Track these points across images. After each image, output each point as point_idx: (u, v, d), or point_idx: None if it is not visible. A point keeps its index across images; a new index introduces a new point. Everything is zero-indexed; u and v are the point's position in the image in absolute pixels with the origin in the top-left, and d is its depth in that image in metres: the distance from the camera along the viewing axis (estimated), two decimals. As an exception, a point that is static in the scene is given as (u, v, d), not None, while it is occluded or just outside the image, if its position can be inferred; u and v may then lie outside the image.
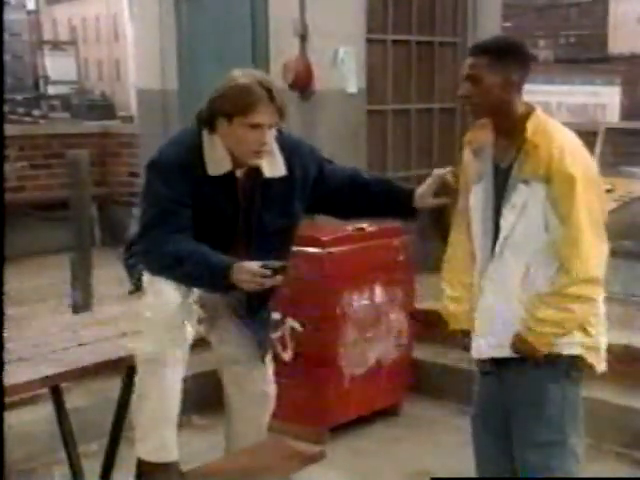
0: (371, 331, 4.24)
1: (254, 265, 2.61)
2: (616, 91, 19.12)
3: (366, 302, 4.20)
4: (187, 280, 2.68)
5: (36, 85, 20.11)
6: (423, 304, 4.60)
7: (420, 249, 4.71)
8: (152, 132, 6.80)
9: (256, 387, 3.00)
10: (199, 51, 6.37)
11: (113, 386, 3.30)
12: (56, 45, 24.55)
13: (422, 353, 4.64)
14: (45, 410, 3.22)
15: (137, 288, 2.91)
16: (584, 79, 19.45)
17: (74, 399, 3.68)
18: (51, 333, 3.25)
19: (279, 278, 2.63)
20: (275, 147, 2.80)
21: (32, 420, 3.71)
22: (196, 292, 2.78)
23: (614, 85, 19.37)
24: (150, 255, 2.71)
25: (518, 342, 2.58)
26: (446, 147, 6.21)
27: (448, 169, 2.77)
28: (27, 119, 10.33)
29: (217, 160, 2.72)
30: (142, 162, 7.07)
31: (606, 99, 18.66)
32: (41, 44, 22.78)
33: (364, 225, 4.17)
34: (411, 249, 4.42)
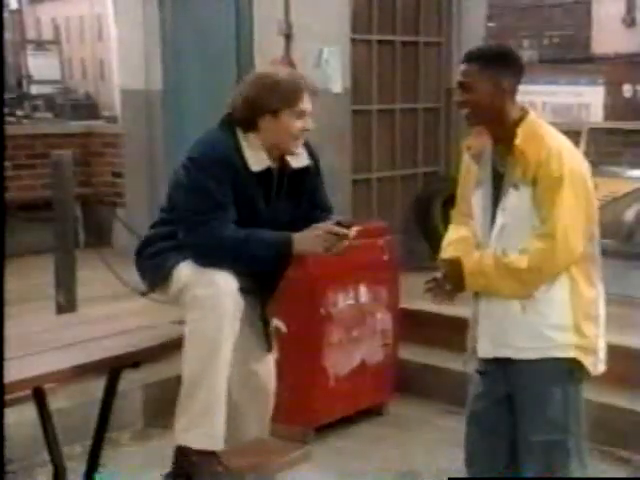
0: (356, 331, 4.24)
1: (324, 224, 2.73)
2: (600, 91, 19.21)
3: (351, 302, 4.20)
4: (252, 261, 2.75)
5: (19, 85, 19.95)
6: (408, 304, 4.61)
7: (405, 249, 4.73)
8: (136, 132, 6.78)
9: (260, 384, 3.03)
10: (183, 51, 6.35)
11: (96, 387, 3.29)
12: (39, 45, 24.38)
13: (407, 353, 4.64)
14: (28, 412, 3.19)
15: (152, 289, 2.93)
16: (568, 79, 19.54)
17: (57, 400, 3.65)
18: (34, 334, 3.22)
19: (351, 234, 2.72)
20: None
21: (15, 422, 3.67)
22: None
23: (598, 85, 19.47)
24: (207, 245, 2.73)
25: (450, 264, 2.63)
26: (430, 147, 6.23)
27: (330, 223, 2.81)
28: (10, 119, 10.25)
29: (257, 157, 2.81)
30: (126, 162, 7.07)
31: (590, 99, 18.75)
32: (24, 43, 22.59)
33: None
34: (396, 249, 4.43)
